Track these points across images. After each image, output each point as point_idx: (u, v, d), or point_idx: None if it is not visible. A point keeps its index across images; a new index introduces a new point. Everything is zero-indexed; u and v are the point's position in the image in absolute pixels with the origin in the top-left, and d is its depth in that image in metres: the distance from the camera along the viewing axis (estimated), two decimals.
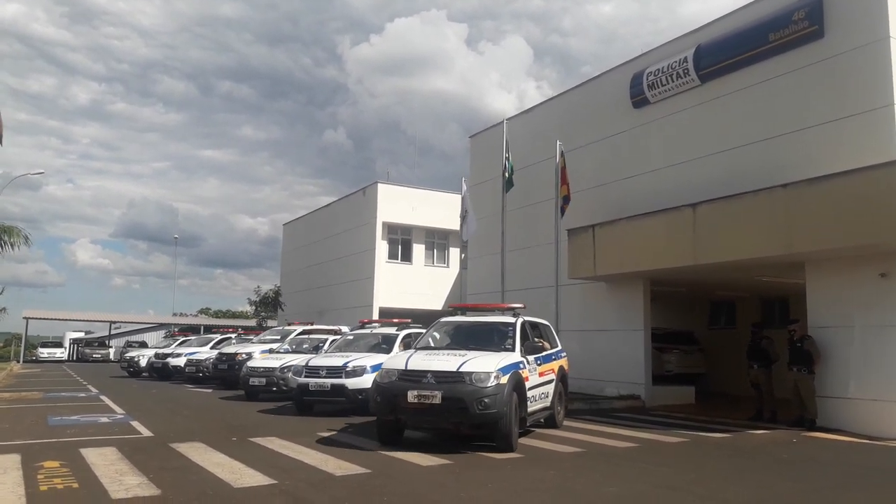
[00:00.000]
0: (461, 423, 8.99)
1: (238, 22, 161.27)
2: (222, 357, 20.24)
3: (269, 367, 16.00)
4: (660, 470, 8.35)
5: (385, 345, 14.23)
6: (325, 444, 9.65)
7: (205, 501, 6.28)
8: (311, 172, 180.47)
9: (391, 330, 15.36)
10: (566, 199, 16.63)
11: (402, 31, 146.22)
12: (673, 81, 15.59)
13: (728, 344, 19.17)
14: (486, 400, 8.66)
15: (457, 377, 8.88)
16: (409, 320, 16.48)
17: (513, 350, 9.95)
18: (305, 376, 13.30)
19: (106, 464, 7.89)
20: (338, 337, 16.84)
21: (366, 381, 12.45)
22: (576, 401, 14.35)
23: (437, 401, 8.75)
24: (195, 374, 22.56)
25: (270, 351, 18.21)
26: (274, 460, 8.34)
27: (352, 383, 12.88)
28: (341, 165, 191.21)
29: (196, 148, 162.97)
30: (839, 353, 11.91)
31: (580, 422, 12.56)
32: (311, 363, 13.65)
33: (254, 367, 16.32)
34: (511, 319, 10.83)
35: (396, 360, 9.82)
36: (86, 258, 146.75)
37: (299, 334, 19.37)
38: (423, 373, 9.06)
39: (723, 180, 13.83)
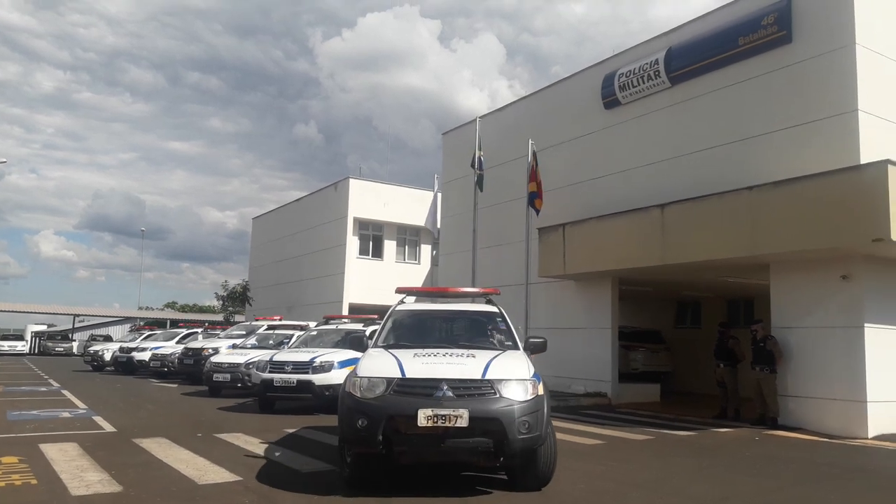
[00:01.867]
0: (497, 453, 6.16)
1: (207, 12, 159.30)
2: (188, 352, 20.00)
3: (233, 363, 15.81)
4: (625, 467, 8.43)
5: (352, 341, 13.75)
6: (292, 440, 9.58)
7: (168, 498, 6.19)
8: (281, 166, 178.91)
9: (358, 326, 15.14)
10: (535, 195, 16.67)
11: (375, 26, 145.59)
12: (644, 83, 15.73)
13: (693, 343, 19.45)
14: (528, 420, 6.16)
15: (485, 388, 6.27)
16: (377, 316, 16.25)
17: (517, 348, 7.57)
18: (269, 372, 12.90)
19: (66, 459, 7.74)
20: (303, 333, 16.65)
21: (333, 377, 12.23)
22: None
23: (464, 423, 5.99)
24: (160, 369, 22.26)
25: (235, 346, 18.01)
26: (240, 457, 8.25)
27: (319, 379, 12.52)
28: (311, 160, 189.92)
29: (163, 139, 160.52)
30: (801, 353, 12.14)
31: None
32: (276, 358, 13.25)
33: (218, 363, 16.13)
34: (491, 308, 8.63)
35: (378, 363, 6.74)
36: (49, 250, 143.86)
37: (265, 330, 19.19)
38: (435, 382, 6.26)
39: (692, 182, 14.00)
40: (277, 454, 8.42)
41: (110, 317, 66.61)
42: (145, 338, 27.53)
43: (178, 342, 23.66)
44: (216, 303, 41.50)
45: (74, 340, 52.40)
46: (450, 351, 7.13)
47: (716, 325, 15.02)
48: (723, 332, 14.14)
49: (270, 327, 19.20)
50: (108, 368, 27.11)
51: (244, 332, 20.33)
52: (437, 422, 5.98)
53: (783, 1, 12.90)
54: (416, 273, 31.86)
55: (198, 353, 19.26)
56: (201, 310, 76.88)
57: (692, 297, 20.68)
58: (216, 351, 18.22)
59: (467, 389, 6.23)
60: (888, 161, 10.48)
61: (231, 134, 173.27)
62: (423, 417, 5.98)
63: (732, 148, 13.74)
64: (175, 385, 19.31)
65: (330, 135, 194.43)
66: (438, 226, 21.89)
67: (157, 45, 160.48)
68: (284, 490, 6.58)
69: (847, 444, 10.56)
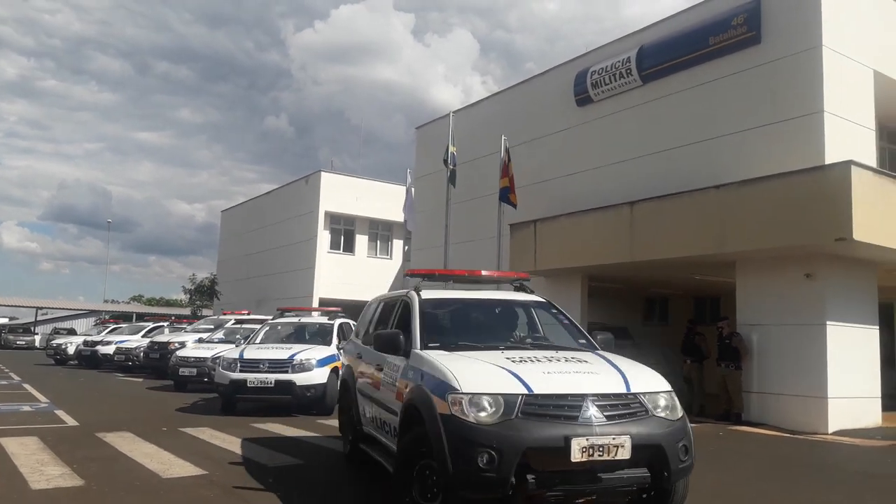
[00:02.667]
0: (651, 487, 4.85)
1: (177, 1, 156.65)
2: (154, 346, 19.72)
3: (200, 357, 15.57)
4: None
5: (321, 336, 13.51)
6: (259, 434, 9.49)
7: (132, 492, 6.09)
8: (251, 158, 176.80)
9: (324, 319, 14.70)
10: (507, 190, 16.59)
11: (348, 18, 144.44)
12: (616, 81, 15.86)
13: (661, 339, 19.66)
14: (686, 444, 4.93)
15: (634, 405, 4.86)
16: (339, 309, 16.00)
17: (595, 347, 6.40)
18: (241, 371, 11.71)
19: (27, 454, 7.58)
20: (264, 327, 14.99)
21: (315, 376, 11.75)
22: None
23: (626, 454, 4.56)
24: (125, 363, 21.93)
25: (201, 340, 17.78)
26: (205, 451, 8.16)
27: (301, 379, 11.64)
28: (282, 152, 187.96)
29: (131, 129, 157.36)
30: (765, 349, 12.35)
31: None
32: (248, 356, 12.04)
33: (184, 357, 15.86)
34: (537, 297, 7.31)
35: (482, 373, 4.95)
36: (12, 241, 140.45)
37: (233, 324, 18.96)
38: (577, 399, 4.68)
39: (662, 180, 14.15)
40: (244, 448, 8.33)
41: (74, 310, 65.40)
42: (110, 331, 27.08)
43: (143, 336, 23.30)
44: (183, 296, 40.98)
45: (37, 334, 51.28)
46: (551, 354, 5.59)
47: (683, 322, 15.21)
48: (690, 329, 14.33)
49: (238, 322, 18.99)
50: (72, 362, 26.62)
51: (211, 327, 20.09)
52: (592, 454, 4.46)
53: (753, 2, 13.09)
54: (388, 268, 31.79)
55: (164, 346, 19.00)
56: (168, 303, 75.83)
57: (660, 294, 20.90)
58: (183, 345, 17.97)
59: (615, 408, 4.75)
60: (851, 162, 10.71)
61: (200, 125, 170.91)
62: (578, 449, 4.42)
63: (702, 147, 13.91)
64: (140, 379, 19.03)
65: (301, 127, 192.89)
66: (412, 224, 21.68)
67: (124, 32, 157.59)
68: (250, 484, 6.52)
69: (808, 440, 10.77)
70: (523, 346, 6.13)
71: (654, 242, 13.38)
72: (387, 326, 6.94)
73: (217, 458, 7.68)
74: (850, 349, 11.81)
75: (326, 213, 30.58)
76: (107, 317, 46.35)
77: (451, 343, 5.83)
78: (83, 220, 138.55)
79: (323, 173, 31.07)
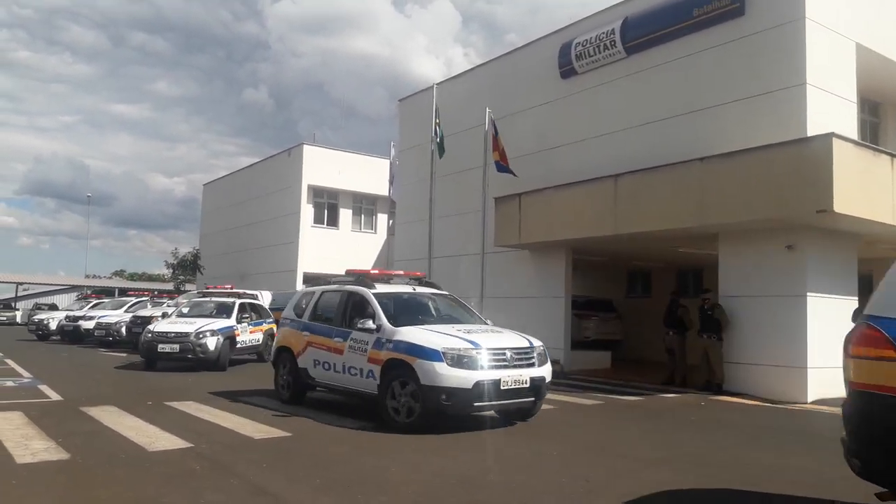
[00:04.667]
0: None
1: None
2: (137, 320, 19.60)
3: (181, 332, 15.22)
4: (576, 431, 8.62)
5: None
6: (244, 408, 9.52)
7: (117, 465, 6.10)
8: (230, 131, 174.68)
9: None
10: (501, 166, 16.51)
11: None
12: (600, 53, 15.77)
13: (644, 312, 19.86)
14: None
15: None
16: (423, 274, 16.15)
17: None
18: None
19: (11, 428, 7.55)
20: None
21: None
22: None
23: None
24: (105, 338, 21.80)
25: (180, 315, 17.60)
26: (191, 424, 8.18)
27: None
28: (262, 126, 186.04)
29: (107, 102, 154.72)
30: (746, 321, 12.50)
31: None
32: (159, 329, 15.48)
33: (163, 332, 15.31)
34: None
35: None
36: None
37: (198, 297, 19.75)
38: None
39: (647, 152, 14.15)
40: (230, 422, 8.35)
41: (56, 285, 64.77)
42: (92, 306, 26.87)
43: (126, 311, 23.15)
44: (166, 271, 40.68)
45: (18, 309, 50.85)
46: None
47: (666, 295, 15.34)
48: (673, 301, 14.46)
49: (206, 294, 19.10)
50: (54, 337, 26.43)
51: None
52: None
53: None
54: (373, 242, 31.68)
55: (148, 321, 18.88)
56: (150, 278, 75.29)
57: (643, 267, 21.08)
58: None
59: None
60: (833, 134, 10.77)
61: (178, 98, 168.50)
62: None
63: (686, 119, 13.92)
64: (124, 354, 18.94)
65: (281, 100, 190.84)
66: (397, 195, 21.57)
67: (98, 3, 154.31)
68: (236, 456, 6.54)
69: (787, 409, 10.98)
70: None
71: (638, 215, 13.43)
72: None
73: (203, 432, 7.70)
74: (830, 320, 11.94)
75: (310, 187, 30.34)
76: (89, 291, 45.97)
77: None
78: (61, 193, 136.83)
79: (305, 146, 30.77)
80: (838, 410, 10.62)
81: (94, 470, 5.92)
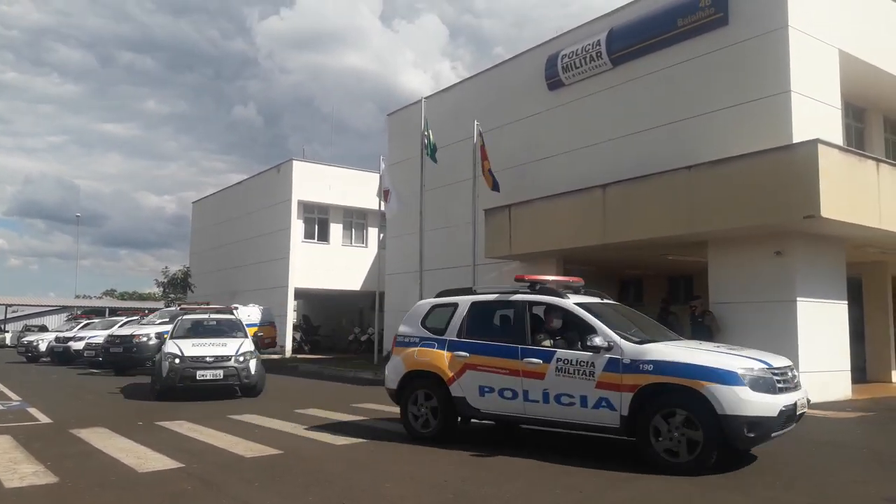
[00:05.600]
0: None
1: None
2: (115, 339, 19.11)
3: (220, 356, 13.10)
4: (568, 441, 8.58)
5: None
6: (236, 426, 9.43)
7: (107, 488, 6.03)
8: (220, 148, 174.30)
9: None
10: (493, 180, 16.65)
11: (314, 5, 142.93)
12: (586, 64, 15.89)
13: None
14: None
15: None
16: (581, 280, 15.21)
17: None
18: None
19: None
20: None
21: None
22: None
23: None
24: (94, 359, 21.61)
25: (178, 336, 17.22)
26: (182, 444, 8.10)
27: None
28: (251, 142, 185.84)
29: (95, 121, 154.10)
30: (737, 327, 12.52)
31: None
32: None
33: (198, 357, 12.91)
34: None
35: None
36: None
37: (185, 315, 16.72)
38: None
39: (634, 162, 14.24)
40: (221, 441, 8.28)
41: (45, 306, 64.30)
42: (82, 327, 26.66)
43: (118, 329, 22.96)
44: (157, 290, 40.43)
45: (7, 331, 50.38)
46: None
47: (657, 303, 15.37)
48: (663, 308, 14.48)
49: (185, 312, 16.63)
50: (44, 359, 26.21)
51: (167, 319, 19.44)
52: None
53: None
54: (364, 256, 31.64)
55: (128, 340, 18.69)
56: (141, 297, 74.90)
57: (634, 275, 21.09)
58: (148, 337, 17.70)
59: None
60: (818, 140, 10.86)
61: (167, 116, 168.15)
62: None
63: (672, 128, 14.02)
64: (114, 375, 18.78)
65: (270, 117, 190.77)
66: (397, 210, 20.96)
67: (86, 23, 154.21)
68: (227, 476, 6.48)
69: None
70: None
71: (627, 224, 13.48)
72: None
73: (194, 451, 7.62)
74: (820, 324, 12.04)
75: (300, 203, 30.29)
76: (79, 312, 45.64)
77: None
78: (50, 214, 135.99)
79: (295, 162, 30.74)
80: (832, 414, 10.62)
81: (84, 493, 5.85)
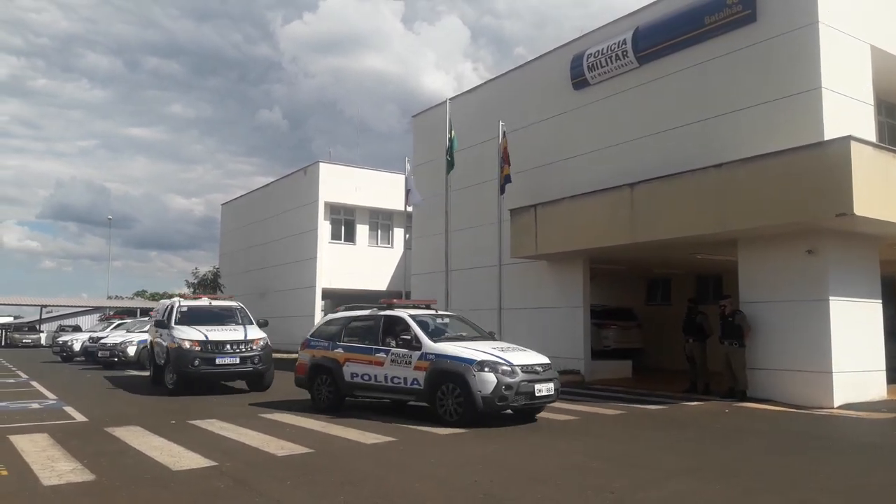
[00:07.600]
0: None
1: None
2: (103, 344, 19.77)
3: (235, 340, 13.09)
4: (597, 441, 8.56)
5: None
6: (267, 425, 9.55)
7: (142, 485, 6.15)
8: (245, 151, 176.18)
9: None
10: (507, 179, 16.83)
11: (337, 9, 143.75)
12: (612, 63, 15.79)
13: (664, 320, 19.72)
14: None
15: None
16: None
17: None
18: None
19: (37, 450, 7.63)
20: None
21: None
22: None
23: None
24: (110, 359, 21.99)
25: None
26: (215, 442, 8.22)
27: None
28: (276, 145, 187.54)
29: (123, 126, 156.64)
30: (768, 326, 12.37)
31: None
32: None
33: (219, 342, 12.88)
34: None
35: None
36: (12, 240, 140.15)
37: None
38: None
39: (662, 160, 14.13)
40: (253, 439, 8.39)
41: (79, 307, 65.44)
42: (115, 327, 27.13)
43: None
44: (187, 290, 40.95)
45: (42, 332, 51.43)
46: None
47: (685, 302, 15.22)
48: (691, 308, 14.34)
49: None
50: (78, 359, 26.71)
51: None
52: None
53: None
54: (390, 257, 31.77)
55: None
56: (172, 297, 75.94)
57: (662, 274, 20.94)
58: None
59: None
60: (851, 137, 10.68)
61: (192, 120, 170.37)
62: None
63: (700, 126, 13.88)
64: (148, 373, 19.06)
65: (295, 119, 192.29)
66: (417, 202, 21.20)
67: (112, 29, 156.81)
68: (260, 474, 6.57)
69: (814, 414, 10.82)
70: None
71: (655, 223, 13.37)
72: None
73: (227, 450, 7.74)
74: (854, 324, 11.84)
75: (326, 204, 30.50)
76: (111, 312, 46.40)
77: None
78: (82, 217, 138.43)
79: (321, 164, 30.96)
80: (866, 415, 10.48)
81: (121, 491, 5.97)
